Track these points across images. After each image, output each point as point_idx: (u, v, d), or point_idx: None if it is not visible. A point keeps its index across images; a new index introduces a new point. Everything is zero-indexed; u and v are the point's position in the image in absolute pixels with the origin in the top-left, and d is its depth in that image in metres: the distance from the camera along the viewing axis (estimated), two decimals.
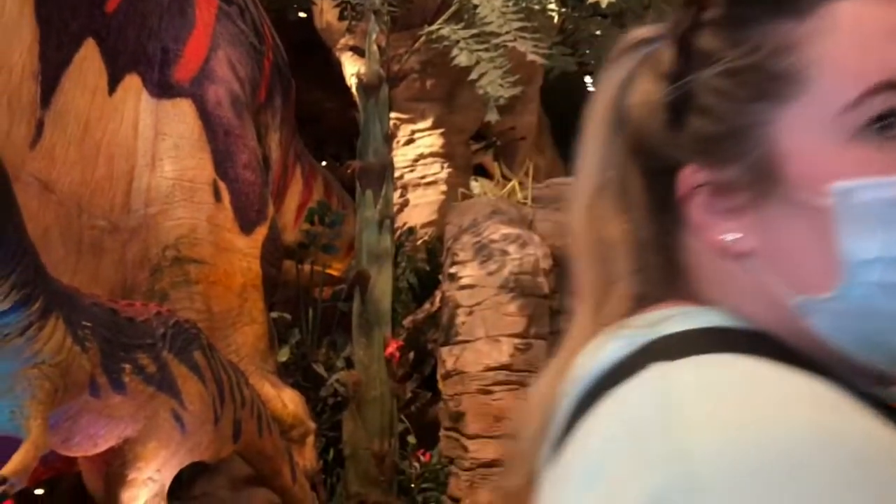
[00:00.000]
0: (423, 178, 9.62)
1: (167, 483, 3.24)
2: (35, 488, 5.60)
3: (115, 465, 3.12)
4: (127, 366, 3.02)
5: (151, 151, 4.77)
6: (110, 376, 2.93)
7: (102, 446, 3.08)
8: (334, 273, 7.26)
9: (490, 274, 5.89)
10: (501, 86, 5.47)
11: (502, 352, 5.71)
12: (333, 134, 11.31)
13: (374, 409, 5.68)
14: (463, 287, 6.01)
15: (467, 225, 6.40)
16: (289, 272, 6.45)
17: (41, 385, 2.62)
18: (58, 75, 4.21)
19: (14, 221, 2.55)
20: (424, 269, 7.02)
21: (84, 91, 4.38)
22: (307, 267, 6.55)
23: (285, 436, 4.82)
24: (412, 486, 5.70)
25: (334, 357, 6.01)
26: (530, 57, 5.47)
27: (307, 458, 5.14)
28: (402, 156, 9.34)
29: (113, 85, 4.56)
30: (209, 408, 3.43)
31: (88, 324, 2.86)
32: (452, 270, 6.15)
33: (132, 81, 4.72)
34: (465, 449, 5.60)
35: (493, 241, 6.06)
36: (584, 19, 6.48)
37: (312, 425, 5.27)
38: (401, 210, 8.63)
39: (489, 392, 5.65)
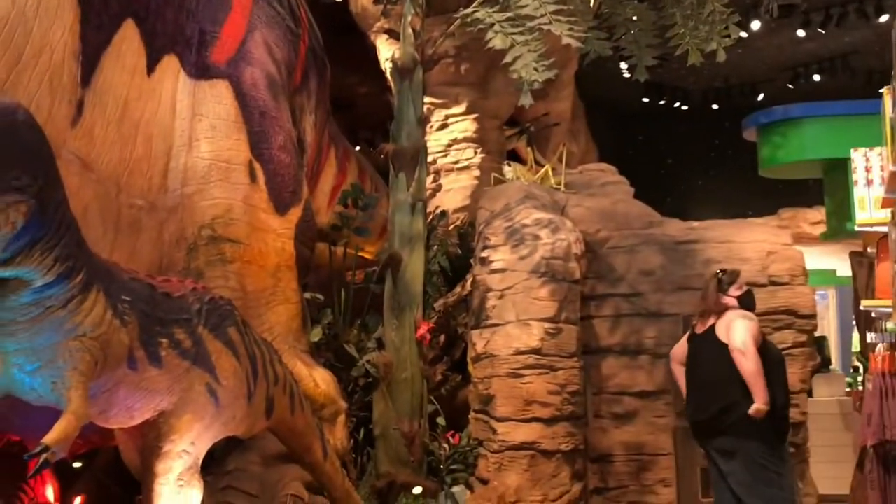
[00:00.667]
0: (456, 162, 9.64)
1: (201, 456, 3.30)
2: (73, 462, 5.75)
3: (150, 438, 3.19)
4: (164, 340, 3.08)
5: (189, 132, 4.83)
6: (148, 350, 2.99)
7: (138, 419, 3.15)
8: (367, 256, 7.31)
9: (521, 258, 5.90)
10: (536, 69, 5.45)
11: (532, 335, 5.72)
12: (367, 119, 11.37)
13: (404, 390, 5.73)
14: (494, 271, 6.03)
15: (500, 209, 6.41)
16: (321, 255, 6.51)
17: (82, 357, 2.69)
18: (98, 55, 4.26)
19: (59, 196, 2.60)
20: (456, 252, 7.04)
21: (123, 71, 4.44)
22: (340, 249, 6.61)
23: (317, 414, 4.88)
24: (441, 466, 5.75)
25: (366, 338, 6.07)
26: (565, 40, 5.45)
27: (338, 436, 5.20)
28: (435, 141, 9.36)
29: (151, 65, 4.62)
30: (243, 383, 3.49)
31: (127, 298, 2.92)
32: (484, 254, 6.17)
33: (170, 62, 4.77)
34: (494, 431, 5.64)
35: (525, 226, 6.07)
36: (620, 3, 6.42)
37: (343, 405, 5.34)
38: (433, 195, 8.66)
39: (519, 375, 5.67)
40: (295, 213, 5.41)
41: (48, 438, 2.52)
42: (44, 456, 2.49)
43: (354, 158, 7.92)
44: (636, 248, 6.42)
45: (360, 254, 7.01)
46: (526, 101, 5.73)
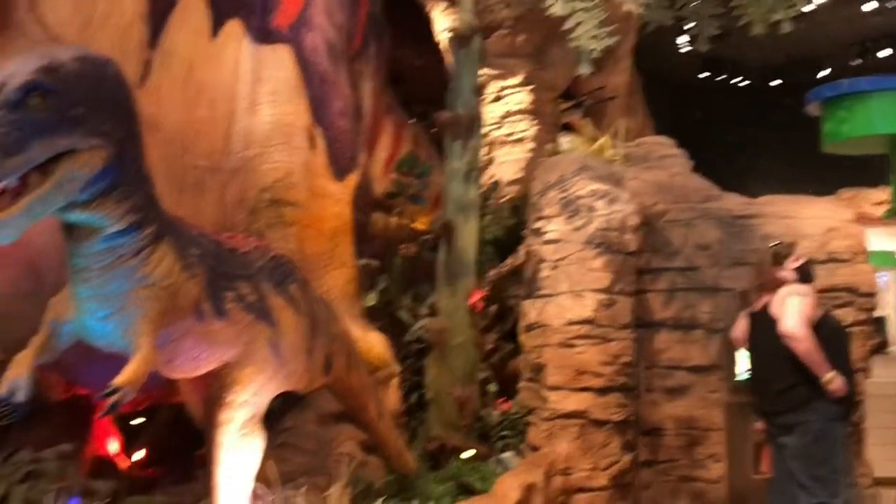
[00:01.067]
0: (510, 135, 9.60)
1: (263, 407, 3.38)
2: (133, 418, 5.94)
3: (214, 388, 3.28)
4: (229, 294, 3.16)
5: (251, 95, 4.91)
6: (214, 302, 3.07)
7: (202, 369, 3.24)
8: (419, 227, 7.36)
9: (576, 229, 5.87)
10: (595, 37, 5.39)
11: (585, 306, 5.70)
12: (421, 92, 11.37)
13: (457, 355, 5.78)
14: (548, 241, 6.01)
15: (555, 180, 6.37)
16: (376, 222, 6.59)
17: (152, 305, 2.78)
18: (164, 18, 4.36)
19: (137, 151, 2.71)
20: (509, 223, 7.04)
21: (189, 34, 4.53)
22: (394, 218, 6.67)
23: (370, 376, 4.96)
24: (491, 432, 5.80)
25: (418, 304, 6.13)
26: (626, 6, 5.39)
27: (390, 399, 5.29)
28: (489, 113, 9.33)
29: (216, 29, 4.70)
30: (303, 339, 3.56)
31: (195, 252, 3.00)
32: (538, 225, 6.15)
33: (234, 26, 4.85)
34: (545, 400, 5.65)
35: (580, 197, 6.02)
36: None
37: (396, 368, 5.42)
38: (486, 167, 8.65)
39: (571, 345, 5.66)
40: (353, 179, 5.48)
41: (118, 380, 2.62)
42: (114, 397, 2.58)
43: (409, 128, 7.97)
44: (693, 222, 6.33)
45: (413, 223, 7.07)
46: (585, 69, 5.68)
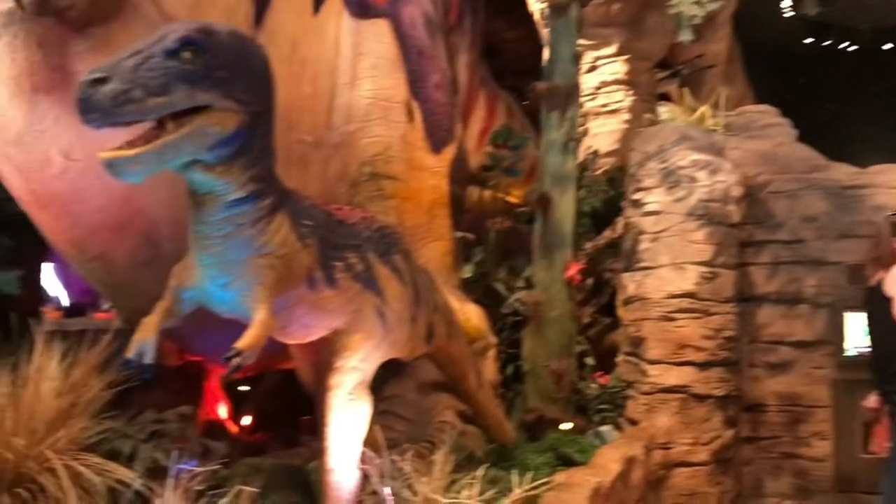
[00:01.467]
0: (604, 106, 9.44)
1: (370, 373, 3.47)
2: (240, 385, 6.19)
3: (325, 354, 3.38)
4: (338, 263, 3.25)
5: (351, 70, 4.99)
6: (325, 272, 3.16)
7: (313, 336, 3.35)
8: (514, 199, 7.35)
9: (677, 200, 5.77)
10: (698, 3, 5.24)
11: (687, 279, 5.61)
12: (513, 64, 11.28)
13: (553, 328, 5.78)
14: (647, 213, 5.93)
15: (654, 151, 6.26)
16: (471, 196, 6.61)
17: (268, 273, 2.88)
18: None
19: (267, 127, 2.85)
20: (607, 195, 6.95)
21: (292, 10, 4.63)
22: (489, 191, 6.68)
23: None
24: (589, 405, 5.80)
25: (514, 277, 6.14)
26: None
27: (488, 370, 5.33)
28: (584, 83, 9.16)
29: (318, 5, 4.79)
30: (407, 308, 3.64)
31: (308, 223, 3.09)
32: (637, 196, 6.06)
33: (335, 2, 4.93)
34: (645, 373, 5.61)
35: (680, 168, 5.91)
36: None
37: (493, 340, 5.46)
38: (581, 139, 8.54)
39: (671, 319, 5.59)
40: (449, 152, 5.52)
41: (240, 344, 2.73)
42: (236, 360, 2.69)
43: (503, 100, 7.94)
44: (798, 193, 6.12)
45: (508, 196, 7.06)
46: (686, 37, 5.55)
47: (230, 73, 2.60)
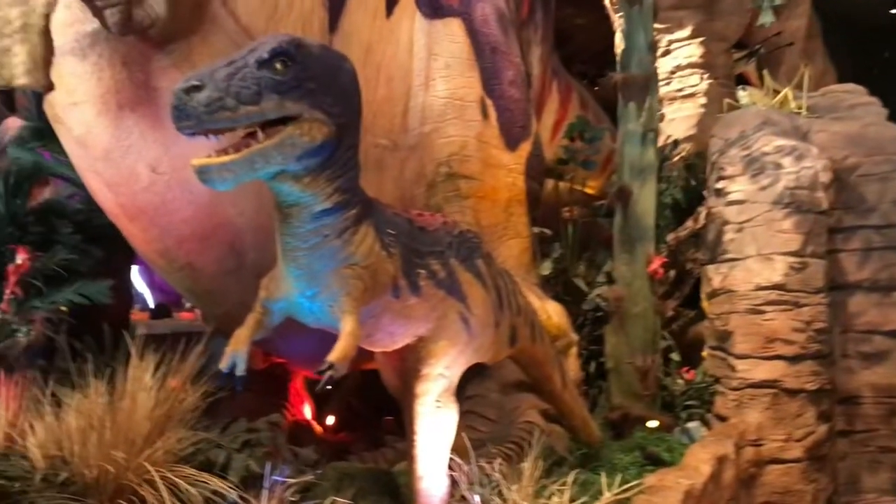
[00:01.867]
0: (679, 90, 9.24)
1: (456, 380, 3.46)
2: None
3: (410, 361, 3.39)
4: (422, 271, 3.24)
5: (425, 72, 4.98)
6: (409, 280, 3.16)
7: (399, 343, 3.35)
8: (591, 192, 7.24)
9: (762, 189, 5.57)
10: None
11: (775, 270, 5.42)
12: (583, 52, 11.11)
13: (636, 324, 5.67)
14: (731, 203, 5.75)
15: (735, 137, 6.07)
16: (547, 190, 6.53)
17: (355, 284, 2.89)
18: (343, 1, 4.48)
19: (353, 140, 2.88)
20: (687, 184, 6.78)
21: (366, 15, 4.64)
22: (565, 185, 6.59)
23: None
24: (675, 402, 5.67)
25: (594, 272, 6.05)
26: None
27: (571, 368, 5.27)
28: (657, 68, 8.98)
29: (390, 8, 4.79)
30: (490, 312, 3.61)
31: (392, 232, 3.09)
32: (719, 185, 5.88)
33: (407, 4, 4.92)
34: (733, 368, 5.45)
35: (764, 154, 5.70)
36: None
37: (575, 337, 5.38)
38: (660, 129, 8.37)
39: (760, 312, 5.41)
40: (525, 148, 5.46)
41: (332, 356, 2.75)
42: (329, 372, 2.71)
43: (576, 91, 7.82)
44: (891, 176, 5.85)
45: (585, 189, 6.96)
46: (767, 19, 5.36)
47: (319, 84, 2.63)
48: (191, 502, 3.04)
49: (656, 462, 4.73)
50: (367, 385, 6.03)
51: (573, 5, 10.39)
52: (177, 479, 3.07)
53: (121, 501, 3.10)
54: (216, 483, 3.13)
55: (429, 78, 4.98)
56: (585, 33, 10.56)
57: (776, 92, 7.20)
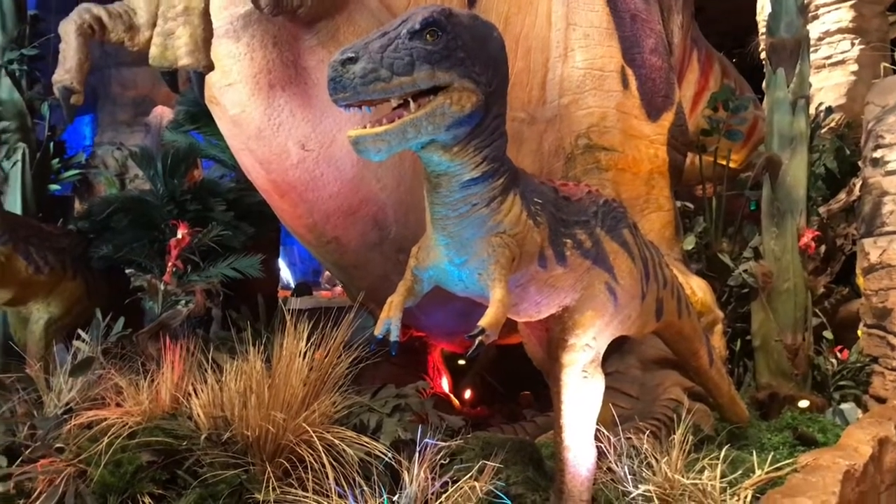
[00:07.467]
0: (828, 58, 8.75)
1: (602, 351, 3.41)
2: (458, 359, 6.35)
3: (556, 331, 3.36)
4: (568, 240, 3.20)
5: (564, 42, 4.90)
6: (555, 249, 3.13)
7: (544, 313, 3.34)
8: (736, 164, 6.96)
9: None
10: None
11: None
12: (716, 23, 10.69)
13: (786, 300, 5.42)
14: (890, 173, 5.40)
15: (893, 104, 5.69)
16: (690, 163, 6.31)
17: (503, 252, 2.90)
18: None
19: (500, 109, 2.88)
20: (843, 153, 6.40)
21: None
22: (709, 157, 6.36)
23: None
24: (828, 382, 5.40)
25: (740, 247, 5.82)
26: None
27: (716, 345, 5.09)
28: None
29: None
30: (637, 283, 3.53)
31: (538, 201, 3.07)
32: (877, 155, 5.54)
33: None
34: (893, 347, 5.13)
35: None
36: None
37: (720, 314, 5.20)
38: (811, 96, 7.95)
39: None
40: (667, 118, 5.29)
41: (483, 322, 2.77)
42: (480, 337, 2.74)
43: (717, 61, 7.52)
44: None
45: (730, 161, 6.69)
46: None
47: (469, 53, 2.65)
48: (346, 462, 3.15)
49: (808, 443, 4.53)
50: (502, 360, 6.07)
51: None
52: (334, 440, 3.19)
53: (280, 460, 3.25)
54: (371, 445, 3.23)
55: (567, 49, 4.90)
56: (719, 4, 10.16)
57: None
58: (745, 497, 3.36)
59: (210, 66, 3.74)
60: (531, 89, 4.86)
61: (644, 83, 5.11)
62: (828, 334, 5.67)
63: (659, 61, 5.21)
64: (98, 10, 3.84)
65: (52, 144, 6.43)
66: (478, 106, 2.68)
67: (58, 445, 3.30)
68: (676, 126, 5.29)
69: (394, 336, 2.92)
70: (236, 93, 4.21)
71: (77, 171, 7.28)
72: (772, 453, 3.96)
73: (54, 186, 6.74)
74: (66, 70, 3.73)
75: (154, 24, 3.75)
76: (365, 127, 2.56)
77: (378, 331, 2.94)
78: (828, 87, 8.53)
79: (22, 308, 5.26)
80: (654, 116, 5.18)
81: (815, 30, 8.71)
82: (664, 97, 5.23)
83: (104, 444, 3.22)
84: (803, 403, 5.11)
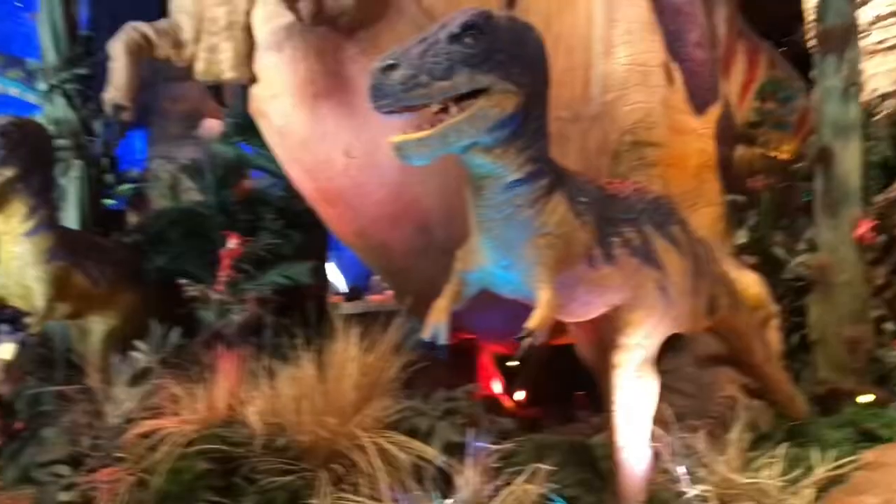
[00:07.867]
0: (881, 42, 8.49)
1: (654, 350, 3.38)
2: (509, 360, 6.34)
3: (607, 332, 3.34)
4: (616, 239, 3.18)
5: (606, 38, 4.86)
6: (603, 249, 3.11)
7: (593, 313, 3.31)
8: (786, 156, 6.81)
9: None
10: None
11: None
12: (759, 12, 10.46)
13: (843, 293, 5.28)
14: None
15: None
16: (739, 156, 6.21)
17: (549, 253, 2.89)
18: None
19: (542, 110, 2.91)
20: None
21: None
22: (758, 149, 6.23)
23: None
24: (891, 375, 5.25)
25: (794, 240, 5.69)
26: None
27: (771, 341, 5.00)
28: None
29: None
30: (688, 280, 3.48)
31: (584, 200, 3.05)
32: None
33: None
34: None
35: None
36: None
37: (775, 309, 5.10)
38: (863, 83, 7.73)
39: None
40: (714, 112, 5.22)
41: (530, 324, 2.77)
42: (528, 340, 2.74)
43: (764, 52, 7.36)
44: None
45: (780, 153, 6.56)
46: None
47: (508, 55, 2.65)
48: (400, 466, 3.17)
49: (872, 439, 4.40)
50: (554, 361, 6.03)
51: None
52: (386, 445, 3.22)
53: (334, 465, 3.29)
54: (423, 449, 3.25)
55: (610, 45, 4.86)
56: None
57: None
58: (808, 496, 3.29)
59: (253, 79, 3.81)
60: (574, 88, 4.84)
61: (689, 77, 5.05)
62: (889, 326, 5.51)
63: (703, 54, 5.14)
64: (145, 27, 3.93)
65: (106, 160, 6.59)
66: (518, 107, 2.69)
67: (118, 454, 3.38)
68: (723, 119, 5.22)
69: (441, 339, 2.93)
70: (281, 104, 4.28)
71: (131, 185, 7.46)
72: (833, 450, 3.87)
73: (109, 201, 6.92)
74: (117, 88, 3.84)
75: (199, 40, 3.83)
76: (406, 132, 2.58)
77: (426, 334, 2.96)
78: (881, 74, 8.28)
79: (81, 321, 5.40)
80: (700, 110, 5.11)
81: (867, 14, 8.47)
82: (710, 90, 5.16)
83: (163, 452, 3.29)
84: (866, 398, 4.97)
